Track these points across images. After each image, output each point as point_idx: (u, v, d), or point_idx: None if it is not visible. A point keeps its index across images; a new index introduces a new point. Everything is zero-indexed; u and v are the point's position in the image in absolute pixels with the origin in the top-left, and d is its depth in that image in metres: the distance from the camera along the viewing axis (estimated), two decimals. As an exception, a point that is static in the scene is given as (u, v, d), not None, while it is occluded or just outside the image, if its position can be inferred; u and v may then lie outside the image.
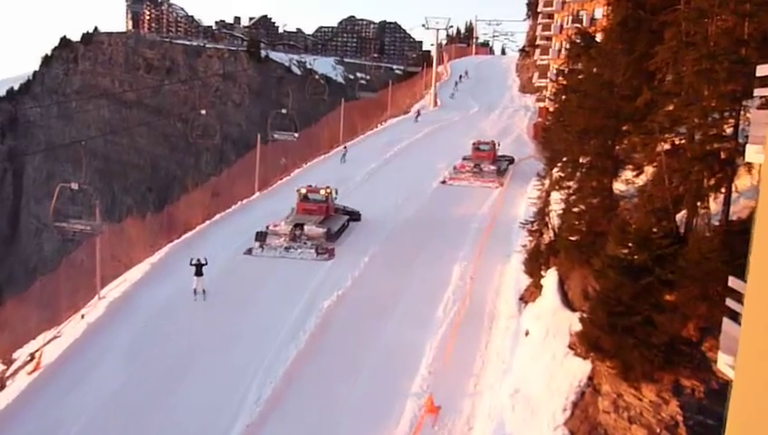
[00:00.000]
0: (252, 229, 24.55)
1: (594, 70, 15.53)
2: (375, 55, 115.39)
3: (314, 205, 25.16)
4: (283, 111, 29.95)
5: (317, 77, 45.35)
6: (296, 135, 30.75)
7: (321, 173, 32.14)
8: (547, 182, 19.22)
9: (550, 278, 15.94)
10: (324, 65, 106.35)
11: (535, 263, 17.78)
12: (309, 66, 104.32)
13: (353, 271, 21.17)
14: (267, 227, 23.82)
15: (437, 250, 23.04)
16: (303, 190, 25.79)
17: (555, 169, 18.34)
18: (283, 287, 20.43)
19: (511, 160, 36.50)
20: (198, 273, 19.24)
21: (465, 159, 35.27)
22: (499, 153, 36.29)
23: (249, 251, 22.96)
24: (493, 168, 33.77)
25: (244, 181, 31.01)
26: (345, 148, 32.70)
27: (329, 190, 25.84)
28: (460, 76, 64.48)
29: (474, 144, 35.69)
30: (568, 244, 15.06)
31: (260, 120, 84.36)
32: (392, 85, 58.92)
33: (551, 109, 37.07)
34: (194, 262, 19.35)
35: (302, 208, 25.09)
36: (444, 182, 32.55)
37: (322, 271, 21.61)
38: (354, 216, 26.49)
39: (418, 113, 46.92)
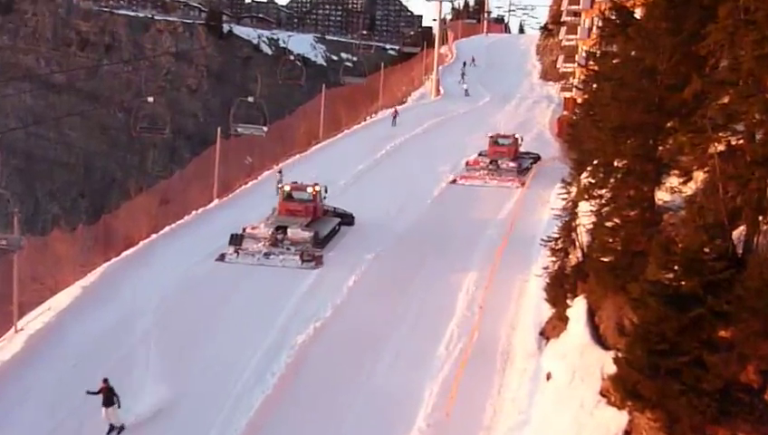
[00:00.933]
0: (209, 245, 24.55)
1: (632, 53, 15.65)
2: (364, 32, 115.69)
3: (300, 205, 26.05)
4: (250, 98, 29.86)
5: (292, 58, 45.32)
6: (265, 129, 30.65)
7: (294, 176, 32.18)
8: (574, 190, 19.31)
9: (577, 308, 15.97)
10: (301, 44, 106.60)
11: (559, 289, 17.83)
12: (282, 44, 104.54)
13: (335, 298, 21.18)
14: (244, 230, 24.68)
15: (439, 271, 23.12)
16: (287, 188, 26.65)
17: (584, 175, 18.43)
18: (257, 303, 20.66)
19: (536, 158, 37.31)
20: (108, 402, 15.45)
21: (481, 154, 36.05)
22: (522, 149, 37.07)
23: (222, 257, 23.86)
24: (513, 165, 34.59)
25: (201, 185, 30.94)
26: (281, 172, 31.34)
27: (317, 188, 26.56)
28: (465, 64, 64.40)
29: (491, 137, 36.65)
30: (599, 266, 15.11)
31: (221, 109, 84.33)
32: (385, 69, 59.15)
33: (579, 100, 37.29)
34: (97, 390, 15.49)
35: (286, 209, 25.95)
36: (454, 181, 33.48)
37: (306, 283, 22.05)
38: (346, 218, 27.20)
39: (396, 114, 44.88)
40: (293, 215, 25.65)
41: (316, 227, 25.42)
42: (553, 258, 18.96)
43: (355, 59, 44.57)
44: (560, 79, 57.91)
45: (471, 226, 27.70)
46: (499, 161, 34.64)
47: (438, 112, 49.31)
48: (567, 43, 57.51)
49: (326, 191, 27.28)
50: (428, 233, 26.83)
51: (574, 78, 48.61)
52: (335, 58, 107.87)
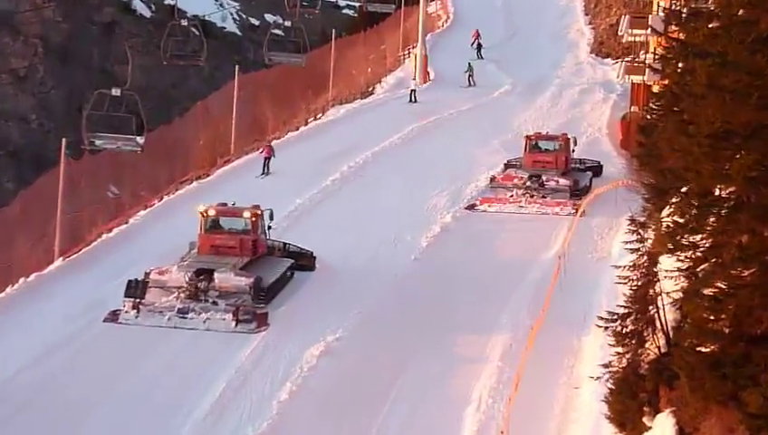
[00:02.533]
0: (51, 335, 24.38)
1: (739, 12, 15.89)
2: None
3: (231, 238, 27.95)
4: (115, 90, 29.81)
5: (185, 23, 45.44)
6: (141, 140, 30.56)
7: (189, 214, 32.15)
8: (651, 235, 19.44)
9: (661, 431, 15.96)
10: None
11: (631, 401, 17.80)
12: (169, 1, 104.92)
13: (259, 418, 21.02)
14: (148, 275, 26.10)
15: (434, 369, 23.17)
16: (212, 212, 28.09)
17: (666, 210, 18.56)
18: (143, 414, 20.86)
19: (596, 169, 39.62)
20: None
21: (509, 164, 38.17)
22: (574, 155, 39.12)
23: (114, 315, 25.39)
24: (564, 182, 36.39)
25: (33, 235, 30.69)
26: None
27: (257, 212, 28.12)
28: (479, 46, 63.91)
29: (529, 139, 38.79)
30: (695, 361, 15.12)
31: (67, 109, 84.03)
32: (338, 40, 59.64)
33: (655, 88, 37.84)
34: None
35: (210, 244, 27.76)
36: (472, 207, 35.31)
37: (238, 358, 22.90)
38: (302, 259, 29.06)
39: (269, 154, 40.63)
40: (222, 253, 27.12)
41: (257, 270, 26.66)
42: (620, 348, 18.89)
43: (288, 24, 44.67)
44: (623, 54, 58.63)
45: (488, 288, 27.97)
46: (543, 176, 36.20)
47: (427, 109, 49.65)
48: (634, -3, 58.50)
49: (271, 218, 28.67)
50: (417, 303, 27.05)
51: (647, 52, 49.31)
52: (256, 23, 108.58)
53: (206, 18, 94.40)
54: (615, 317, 19.16)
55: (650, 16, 51.22)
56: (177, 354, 23.78)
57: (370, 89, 57.35)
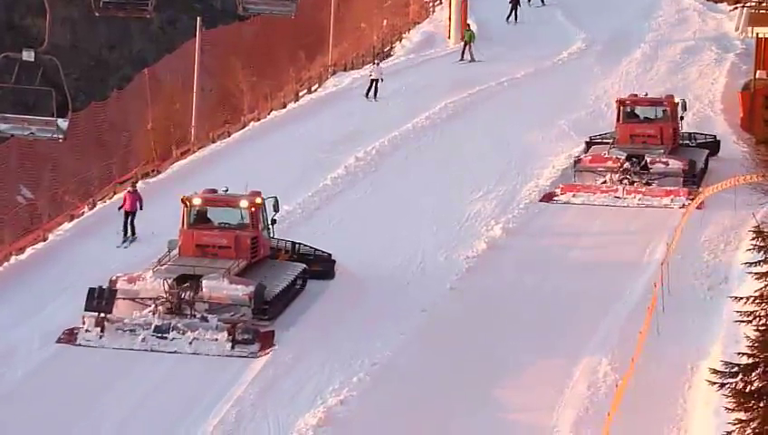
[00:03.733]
0: None
1: None
2: None
3: (224, 234, 29.14)
4: (27, 54, 29.88)
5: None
6: (64, 124, 30.62)
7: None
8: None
9: None
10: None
11: None
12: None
13: None
14: (114, 283, 27.27)
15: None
16: (197, 200, 29.00)
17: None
18: None
19: (712, 146, 40.60)
20: None
21: (593, 142, 39.51)
22: (683, 129, 40.07)
23: (70, 336, 26.42)
24: (676, 164, 37.08)
25: None
26: None
27: (258, 201, 28.89)
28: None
29: (623, 104, 39.51)
30: None
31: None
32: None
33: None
34: None
35: (196, 243, 28.66)
36: (549, 198, 36.55)
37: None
38: (318, 265, 29.95)
39: (131, 207, 36.28)
40: (212, 254, 28.13)
41: (258, 276, 27.37)
42: (743, 414, 18.81)
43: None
44: (745, -1, 58.41)
45: (554, 329, 28.00)
46: (647, 157, 36.93)
47: (466, 77, 49.89)
48: None
49: (276, 209, 29.52)
50: (453, 351, 26.88)
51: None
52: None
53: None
54: (735, 370, 19.06)
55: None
56: (152, 392, 23.85)
57: (387, 49, 57.18)
